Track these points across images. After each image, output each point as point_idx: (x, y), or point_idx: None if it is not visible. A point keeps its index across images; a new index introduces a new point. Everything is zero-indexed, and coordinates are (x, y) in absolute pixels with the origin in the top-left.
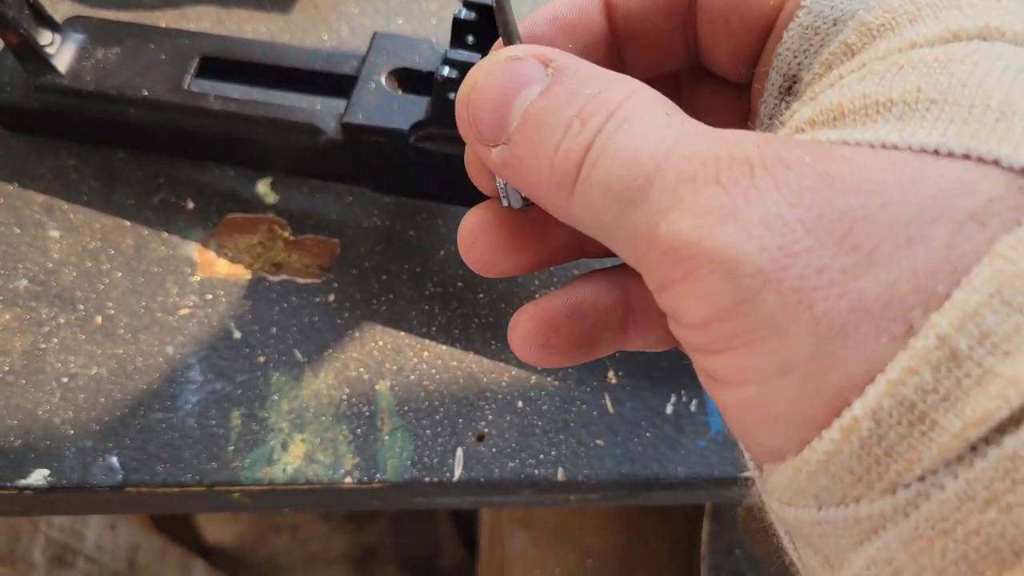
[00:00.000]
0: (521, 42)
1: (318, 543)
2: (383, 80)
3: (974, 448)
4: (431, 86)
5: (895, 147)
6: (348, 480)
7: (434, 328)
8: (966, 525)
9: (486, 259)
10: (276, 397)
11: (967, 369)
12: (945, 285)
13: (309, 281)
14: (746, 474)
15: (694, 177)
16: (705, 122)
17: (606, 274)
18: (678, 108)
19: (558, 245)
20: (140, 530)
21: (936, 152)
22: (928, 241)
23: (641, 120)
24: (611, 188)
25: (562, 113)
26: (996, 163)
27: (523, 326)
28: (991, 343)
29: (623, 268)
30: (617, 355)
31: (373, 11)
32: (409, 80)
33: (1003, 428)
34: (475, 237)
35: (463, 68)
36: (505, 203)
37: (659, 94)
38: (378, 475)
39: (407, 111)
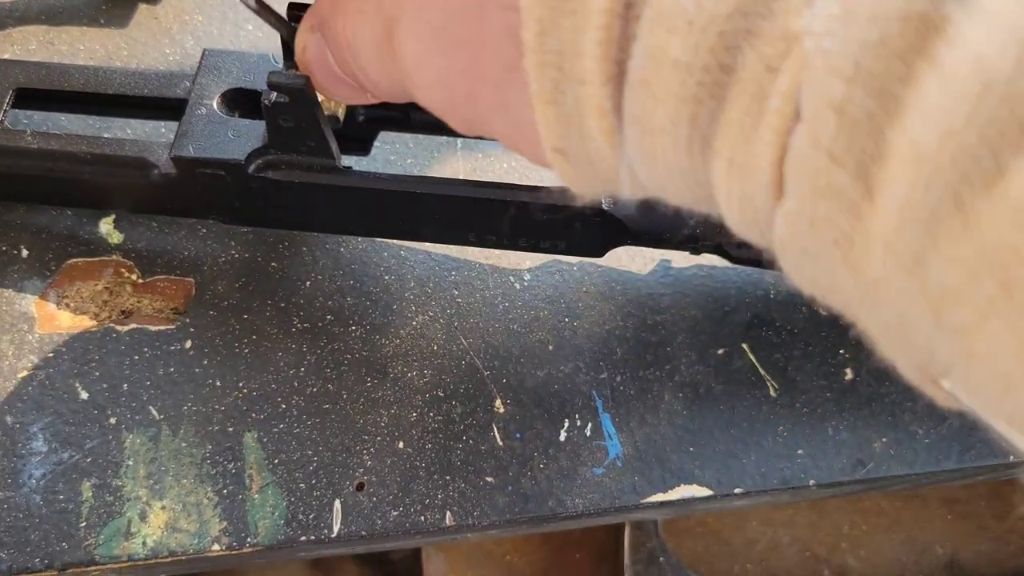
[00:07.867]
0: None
1: None
2: (215, 104)
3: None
4: None
5: None
6: (216, 547)
7: (303, 369)
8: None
9: None
10: (131, 462)
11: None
12: None
13: (162, 328)
14: (653, 497)
15: None
16: None
17: None
18: None
19: None
20: None
21: None
22: None
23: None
24: (374, 48)
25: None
26: None
27: None
28: None
29: None
30: (504, 381)
31: (220, 19)
32: (244, 102)
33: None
34: None
35: (291, 92)
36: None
37: None
38: (249, 539)
39: (244, 138)
